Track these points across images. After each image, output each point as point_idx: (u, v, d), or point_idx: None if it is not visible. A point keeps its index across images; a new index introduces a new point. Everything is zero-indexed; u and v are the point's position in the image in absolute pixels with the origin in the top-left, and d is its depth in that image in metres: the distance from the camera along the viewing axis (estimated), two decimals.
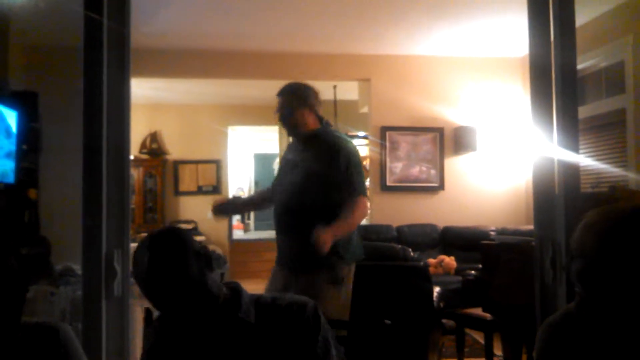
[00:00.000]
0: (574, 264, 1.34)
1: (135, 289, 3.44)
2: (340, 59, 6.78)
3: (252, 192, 12.56)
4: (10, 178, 4.42)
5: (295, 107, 2.88)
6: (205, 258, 1.52)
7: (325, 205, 2.74)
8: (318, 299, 2.59)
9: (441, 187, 6.78)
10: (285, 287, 2.73)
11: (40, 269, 3.89)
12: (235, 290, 1.58)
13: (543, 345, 1.41)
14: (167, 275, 1.45)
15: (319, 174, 2.78)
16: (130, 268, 1.52)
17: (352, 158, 2.82)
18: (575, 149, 2.01)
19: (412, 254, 3.43)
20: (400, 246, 3.56)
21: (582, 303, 1.36)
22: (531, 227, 2.21)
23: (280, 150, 9.89)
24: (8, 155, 4.38)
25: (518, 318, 3.54)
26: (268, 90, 4.11)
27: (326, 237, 2.53)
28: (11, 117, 4.42)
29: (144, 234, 1.63)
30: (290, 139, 3.10)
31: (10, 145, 4.42)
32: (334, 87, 7.72)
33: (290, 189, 2.83)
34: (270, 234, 4.06)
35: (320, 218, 2.67)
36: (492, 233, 6.09)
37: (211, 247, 6.33)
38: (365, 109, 7.35)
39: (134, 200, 9.27)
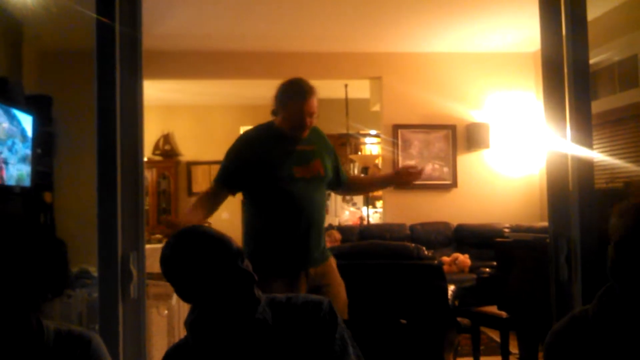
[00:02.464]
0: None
1: (151, 291, 3.44)
2: (351, 57, 6.77)
3: None
4: (26, 182, 4.47)
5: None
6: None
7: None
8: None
9: (454, 184, 6.75)
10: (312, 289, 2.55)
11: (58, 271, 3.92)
12: None
13: (549, 353, 1.43)
14: (213, 255, 1.47)
15: (330, 168, 2.75)
16: (160, 263, 1.53)
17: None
18: (589, 145, 1.99)
19: (426, 252, 3.42)
20: (414, 245, 3.54)
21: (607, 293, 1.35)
22: (545, 224, 2.19)
23: None
24: (24, 159, 4.43)
25: (534, 316, 3.51)
26: None
27: None
28: (27, 122, 4.46)
29: (159, 236, 1.64)
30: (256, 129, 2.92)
31: (26, 149, 4.47)
32: (346, 85, 7.72)
33: (315, 184, 2.68)
34: None
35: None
36: (506, 230, 6.05)
37: None
38: (376, 107, 7.33)
39: (148, 202, 9.31)
